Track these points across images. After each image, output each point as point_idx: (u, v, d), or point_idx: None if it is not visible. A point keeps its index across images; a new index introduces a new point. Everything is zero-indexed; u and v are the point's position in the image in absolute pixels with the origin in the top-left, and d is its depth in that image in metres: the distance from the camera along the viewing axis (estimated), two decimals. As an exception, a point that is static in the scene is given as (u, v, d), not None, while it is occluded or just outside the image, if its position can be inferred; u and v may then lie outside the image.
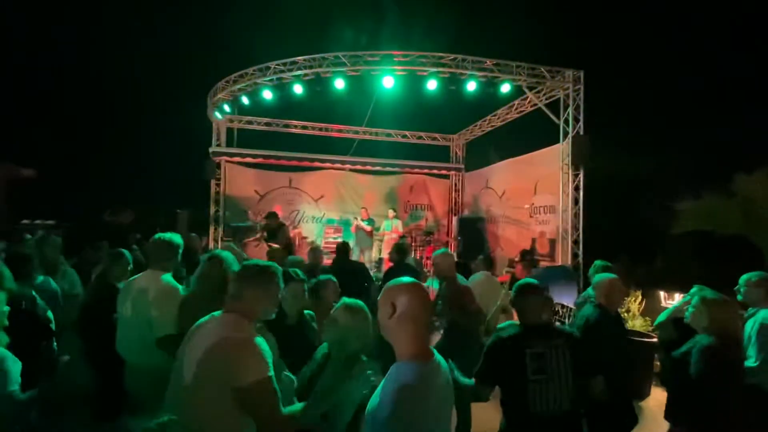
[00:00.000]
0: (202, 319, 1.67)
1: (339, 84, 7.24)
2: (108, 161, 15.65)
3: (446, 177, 11.46)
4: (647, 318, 5.44)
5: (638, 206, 9.61)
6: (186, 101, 10.64)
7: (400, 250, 4.48)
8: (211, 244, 9.10)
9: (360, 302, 1.90)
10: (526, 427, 2.01)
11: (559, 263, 6.93)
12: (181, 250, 2.73)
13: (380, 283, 4.56)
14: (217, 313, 1.66)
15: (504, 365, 2.06)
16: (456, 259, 4.43)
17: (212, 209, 9.48)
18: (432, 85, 7.18)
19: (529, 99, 8.06)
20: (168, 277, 2.58)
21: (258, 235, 7.87)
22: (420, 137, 11.34)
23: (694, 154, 9.77)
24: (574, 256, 6.81)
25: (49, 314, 2.73)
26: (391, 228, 9.27)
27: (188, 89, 10.37)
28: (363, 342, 1.80)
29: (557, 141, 7.22)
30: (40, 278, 3.20)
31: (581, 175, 6.82)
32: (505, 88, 7.26)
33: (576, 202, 6.86)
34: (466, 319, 3.38)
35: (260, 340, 1.55)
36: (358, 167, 10.58)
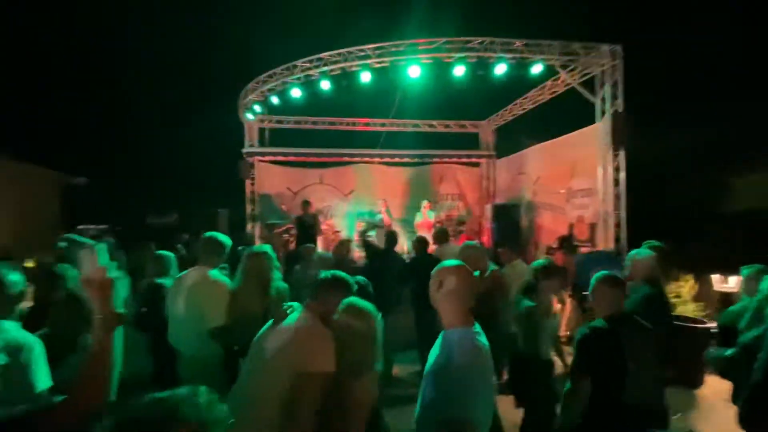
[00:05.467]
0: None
1: (365, 77, 7.25)
2: (148, 166, 16.47)
3: (477, 165, 11.25)
4: (700, 303, 5.15)
5: (687, 185, 8.97)
6: (218, 104, 10.99)
7: (417, 242, 4.94)
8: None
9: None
10: (616, 417, 1.96)
11: (600, 248, 6.65)
12: (228, 248, 2.86)
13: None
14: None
15: (601, 356, 1.98)
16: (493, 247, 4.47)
17: (248, 208, 9.80)
18: (459, 71, 7.03)
19: (562, 78, 7.72)
20: (216, 272, 2.72)
21: (289, 227, 8.08)
22: (447, 126, 11.16)
23: (749, 127, 8.98)
24: (617, 240, 6.52)
25: None
26: (422, 219, 9.24)
27: (220, 92, 10.70)
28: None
29: (594, 121, 6.90)
30: None
31: (621, 155, 6.49)
32: (537, 68, 6.99)
33: (616, 183, 6.55)
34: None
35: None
36: (387, 160, 10.59)
